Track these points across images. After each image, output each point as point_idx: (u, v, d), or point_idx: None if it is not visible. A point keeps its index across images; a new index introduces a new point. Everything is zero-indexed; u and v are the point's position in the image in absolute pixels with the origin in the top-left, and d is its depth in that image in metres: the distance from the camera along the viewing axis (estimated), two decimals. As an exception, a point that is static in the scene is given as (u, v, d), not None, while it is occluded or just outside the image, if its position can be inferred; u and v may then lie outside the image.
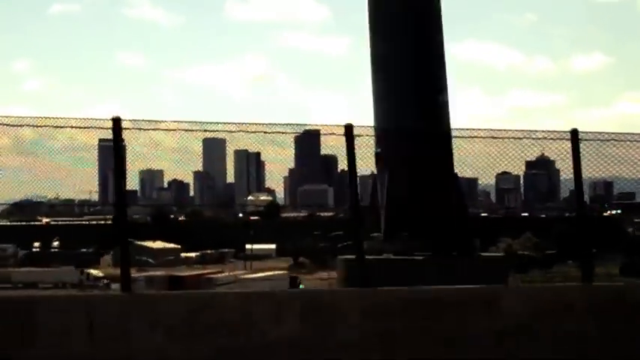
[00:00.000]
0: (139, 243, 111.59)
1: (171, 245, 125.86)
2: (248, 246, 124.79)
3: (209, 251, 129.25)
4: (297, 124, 15.89)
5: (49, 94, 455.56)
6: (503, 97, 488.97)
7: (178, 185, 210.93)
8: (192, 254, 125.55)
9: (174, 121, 15.89)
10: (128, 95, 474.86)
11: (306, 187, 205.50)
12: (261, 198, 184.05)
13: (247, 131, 15.87)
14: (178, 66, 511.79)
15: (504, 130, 15.83)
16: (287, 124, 15.68)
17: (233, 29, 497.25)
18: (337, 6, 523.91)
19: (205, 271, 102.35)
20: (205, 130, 15.95)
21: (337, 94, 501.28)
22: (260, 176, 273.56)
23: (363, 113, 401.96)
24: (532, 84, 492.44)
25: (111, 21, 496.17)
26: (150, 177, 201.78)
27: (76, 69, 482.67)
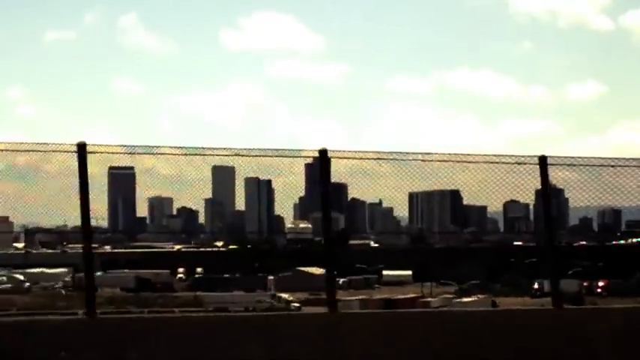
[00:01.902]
0: (302, 269, 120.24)
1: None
2: (385, 272, 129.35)
3: (355, 277, 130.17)
4: (297, 150, 15.95)
5: (43, 120, 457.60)
6: (498, 126, 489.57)
7: (188, 213, 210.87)
8: (339, 280, 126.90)
9: (178, 147, 15.96)
10: (122, 122, 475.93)
11: (316, 214, 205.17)
12: (301, 226, 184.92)
13: (257, 155, 15.94)
14: (173, 93, 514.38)
15: (471, 155, 15.85)
16: (294, 150, 15.75)
17: (227, 57, 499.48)
18: (331, 34, 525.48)
19: (414, 295, 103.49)
20: (213, 155, 16.01)
21: (331, 121, 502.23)
22: (271, 204, 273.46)
23: (357, 140, 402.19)
24: (527, 113, 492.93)
25: (106, 48, 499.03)
26: (159, 204, 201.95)
27: (70, 95, 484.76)
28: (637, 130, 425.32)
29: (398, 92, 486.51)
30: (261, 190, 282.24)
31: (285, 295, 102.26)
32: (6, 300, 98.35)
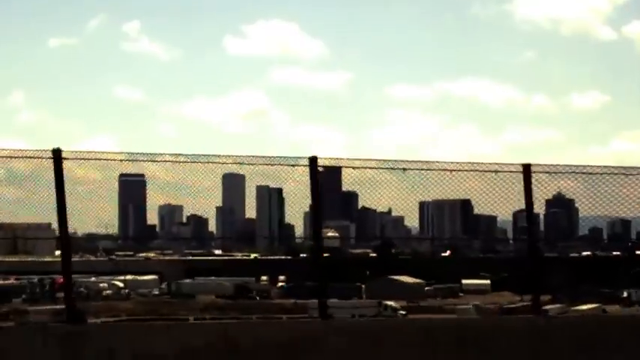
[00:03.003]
0: (394, 277, 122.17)
1: (417, 280, 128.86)
2: (465, 281, 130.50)
3: (439, 285, 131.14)
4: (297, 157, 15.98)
5: (44, 126, 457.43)
6: (500, 134, 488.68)
7: (197, 220, 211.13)
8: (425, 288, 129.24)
9: (187, 155, 16.00)
10: (125, 128, 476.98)
11: (328, 222, 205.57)
12: (329, 234, 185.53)
13: (266, 164, 15.98)
14: (175, 100, 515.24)
15: (454, 163, 15.87)
16: (293, 157, 15.78)
17: (231, 64, 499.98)
18: (334, 42, 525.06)
19: (526, 303, 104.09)
20: (222, 163, 16.06)
21: (333, 128, 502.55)
22: (282, 211, 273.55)
23: (358, 147, 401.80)
24: (529, 121, 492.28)
25: (109, 55, 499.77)
26: (169, 212, 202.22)
27: (72, 102, 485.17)
28: (638, 140, 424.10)
29: (400, 100, 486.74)
30: (272, 198, 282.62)
31: (391, 303, 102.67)
32: (112, 306, 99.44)
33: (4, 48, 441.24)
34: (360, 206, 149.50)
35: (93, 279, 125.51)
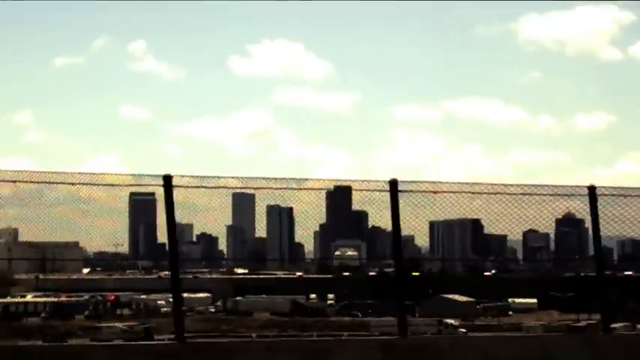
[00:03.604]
0: (446, 296, 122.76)
1: (469, 299, 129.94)
2: (511, 299, 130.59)
3: (489, 304, 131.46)
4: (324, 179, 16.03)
5: (50, 146, 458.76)
6: (505, 155, 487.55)
7: (207, 239, 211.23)
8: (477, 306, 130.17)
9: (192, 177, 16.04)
10: (130, 147, 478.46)
11: (339, 242, 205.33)
12: (349, 253, 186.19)
13: (282, 188, 16.02)
14: (181, 119, 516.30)
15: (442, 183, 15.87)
16: (316, 180, 15.83)
17: (237, 84, 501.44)
18: (341, 63, 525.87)
19: (593, 321, 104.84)
20: (238, 188, 16.09)
21: (338, 149, 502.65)
22: (292, 231, 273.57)
23: (363, 167, 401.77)
24: (535, 142, 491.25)
25: (115, 75, 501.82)
26: (179, 230, 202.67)
27: (78, 121, 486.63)
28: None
29: (406, 120, 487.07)
30: (283, 218, 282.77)
31: (450, 321, 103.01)
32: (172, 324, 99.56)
33: (11, 67, 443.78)
34: (369, 225, 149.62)
35: (143, 296, 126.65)
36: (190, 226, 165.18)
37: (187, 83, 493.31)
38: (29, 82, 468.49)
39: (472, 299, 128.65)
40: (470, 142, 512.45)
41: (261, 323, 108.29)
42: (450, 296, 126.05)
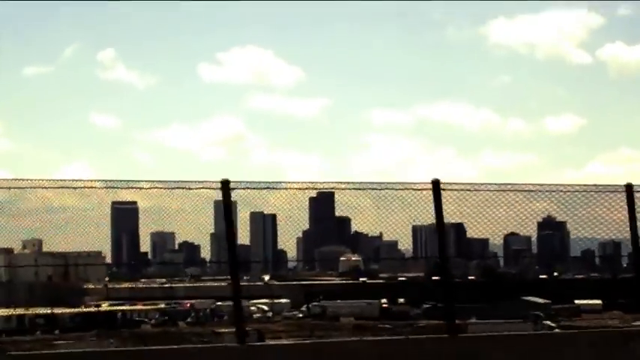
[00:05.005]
0: (527, 298, 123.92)
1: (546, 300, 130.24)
2: (577, 301, 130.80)
3: (559, 306, 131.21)
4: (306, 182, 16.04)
5: (20, 155, 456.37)
6: (476, 158, 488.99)
7: (189, 247, 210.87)
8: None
9: (177, 181, 16.02)
10: (101, 155, 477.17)
11: (324, 248, 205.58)
12: (353, 259, 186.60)
13: (268, 188, 16.01)
14: (151, 127, 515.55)
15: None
16: (301, 182, 15.83)
17: (206, 91, 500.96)
18: (311, 69, 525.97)
19: None
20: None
21: (310, 154, 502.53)
22: (275, 238, 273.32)
23: (335, 172, 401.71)
24: (506, 145, 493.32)
25: (84, 83, 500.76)
26: (161, 239, 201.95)
27: (49, 130, 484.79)
28: (614, 164, 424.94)
29: (377, 125, 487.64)
30: (266, 225, 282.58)
31: (548, 322, 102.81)
32: (265, 329, 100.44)
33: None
34: (352, 231, 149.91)
35: (228, 303, 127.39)
36: (172, 235, 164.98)
37: (157, 91, 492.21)
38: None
39: (549, 301, 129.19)
40: (442, 145, 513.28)
41: (352, 327, 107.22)
42: (529, 298, 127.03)
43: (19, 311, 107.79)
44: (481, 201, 16.68)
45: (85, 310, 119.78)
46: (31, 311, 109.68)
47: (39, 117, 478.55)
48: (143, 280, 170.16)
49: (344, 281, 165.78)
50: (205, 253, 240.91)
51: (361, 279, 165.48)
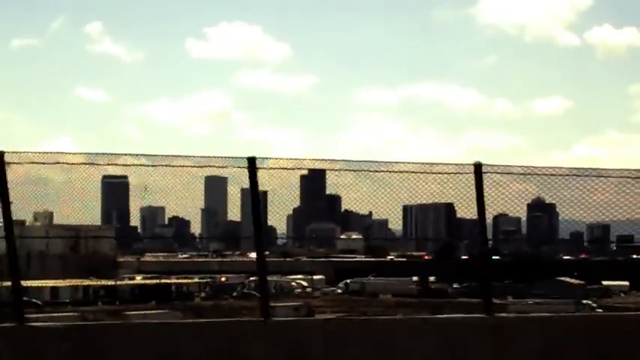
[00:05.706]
0: (562, 279, 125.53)
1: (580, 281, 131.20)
2: (604, 282, 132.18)
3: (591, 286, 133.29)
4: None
5: (5, 127, 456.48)
6: (462, 139, 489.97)
7: (179, 222, 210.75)
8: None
9: (168, 155, 16.04)
10: (87, 129, 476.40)
11: (314, 225, 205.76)
12: (353, 237, 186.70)
13: (263, 168, 16.03)
14: (138, 101, 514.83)
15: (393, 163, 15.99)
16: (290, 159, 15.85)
17: (194, 66, 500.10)
18: (299, 46, 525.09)
19: None
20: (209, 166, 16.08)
21: (295, 131, 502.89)
22: (266, 215, 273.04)
23: (321, 150, 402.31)
24: (492, 126, 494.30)
25: (71, 56, 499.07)
26: (150, 214, 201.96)
27: (35, 103, 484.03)
28: (600, 146, 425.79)
29: (364, 104, 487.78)
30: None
31: (590, 302, 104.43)
32: (307, 303, 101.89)
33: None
34: (342, 209, 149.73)
35: (275, 278, 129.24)
36: (163, 209, 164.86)
37: (145, 65, 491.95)
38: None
39: (582, 282, 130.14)
40: (427, 125, 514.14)
41: (391, 304, 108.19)
42: (564, 279, 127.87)
43: (86, 282, 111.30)
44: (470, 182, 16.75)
45: (142, 282, 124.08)
46: (91, 282, 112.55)
47: (25, 89, 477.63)
48: (179, 254, 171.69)
49: (372, 259, 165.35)
50: (195, 228, 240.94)
51: (388, 257, 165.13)
